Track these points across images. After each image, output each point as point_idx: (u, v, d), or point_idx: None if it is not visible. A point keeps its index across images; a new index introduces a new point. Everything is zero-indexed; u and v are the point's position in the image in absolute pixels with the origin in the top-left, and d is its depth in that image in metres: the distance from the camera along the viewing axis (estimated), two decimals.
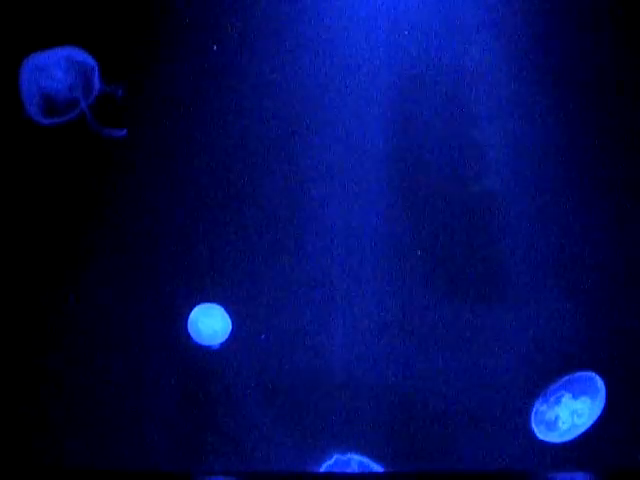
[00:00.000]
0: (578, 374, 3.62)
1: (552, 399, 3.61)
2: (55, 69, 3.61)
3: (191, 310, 3.68)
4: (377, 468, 3.62)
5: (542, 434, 3.63)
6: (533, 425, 3.63)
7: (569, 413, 3.60)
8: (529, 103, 3.74)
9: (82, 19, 3.64)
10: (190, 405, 3.70)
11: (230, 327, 3.65)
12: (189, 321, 3.66)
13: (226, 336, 3.65)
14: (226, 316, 3.65)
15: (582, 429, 3.64)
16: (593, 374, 3.63)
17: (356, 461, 3.60)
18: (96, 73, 3.65)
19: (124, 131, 3.66)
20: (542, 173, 3.75)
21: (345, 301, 3.73)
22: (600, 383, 3.62)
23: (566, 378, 3.62)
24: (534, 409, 3.62)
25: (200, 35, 3.74)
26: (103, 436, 3.69)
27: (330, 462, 3.60)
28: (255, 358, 3.71)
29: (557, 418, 3.60)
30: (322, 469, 3.60)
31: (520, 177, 3.75)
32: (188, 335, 3.69)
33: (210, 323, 3.64)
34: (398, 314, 3.72)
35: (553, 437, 3.63)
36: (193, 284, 3.74)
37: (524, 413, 3.65)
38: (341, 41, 3.73)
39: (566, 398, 3.61)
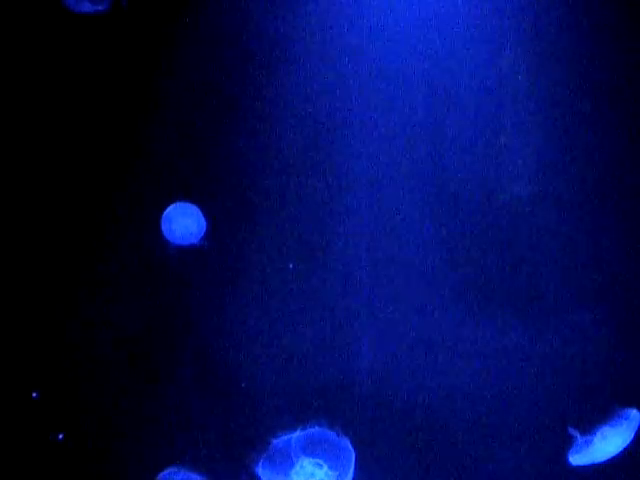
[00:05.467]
0: (617, 409, 3.49)
1: (589, 430, 3.50)
2: None
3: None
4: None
5: (574, 458, 3.52)
6: (566, 448, 3.51)
7: (604, 443, 3.49)
8: (559, 111, 3.69)
9: None
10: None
11: (205, 226, 3.64)
12: (163, 219, 3.65)
13: (201, 235, 3.64)
14: (201, 216, 3.64)
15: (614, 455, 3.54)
16: (632, 410, 3.50)
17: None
18: None
19: None
20: (574, 183, 3.68)
21: (372, 313, 3.69)
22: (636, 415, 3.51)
23: (606, 412, 3.49)
24: (569, 436, 3.51)
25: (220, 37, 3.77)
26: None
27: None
28: (279, 368, 3.68)
29: (591, 447, 3.49)
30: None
31: (551, 187, 3.68)
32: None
33: (185, 222, 3.63)
34: (426, 327, 3.67)
35: (584, 461, 3.52)
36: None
37: (555, 432, 3.55)
38: (370, 50, 3.71)
39: (604, 430, 3.49)
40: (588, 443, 3.49)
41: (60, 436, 3.63)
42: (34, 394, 3.65)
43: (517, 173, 3.70)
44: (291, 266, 3.69)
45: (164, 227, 3.69)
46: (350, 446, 3.46)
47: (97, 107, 3.75)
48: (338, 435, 3.46)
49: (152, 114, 3.74)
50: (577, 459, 3.50)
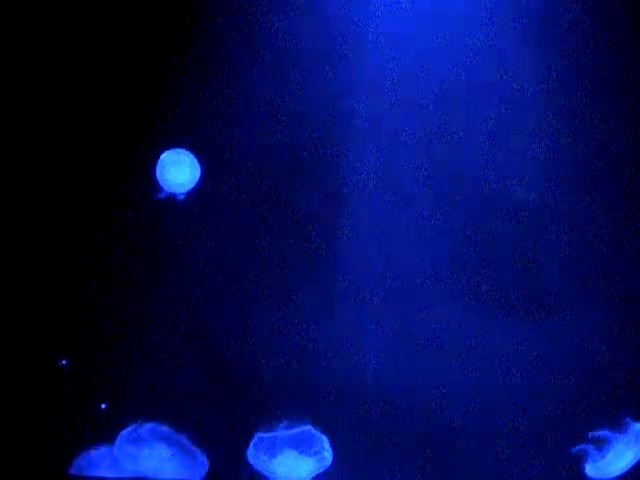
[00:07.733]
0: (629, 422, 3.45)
1: (600, 443, 3.44)
2: None
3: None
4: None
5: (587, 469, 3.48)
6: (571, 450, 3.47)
7: (617, 457, 3.43)
8: (567, 115, 3.68)
9: None
10: None
11: (199, 175, 3.64)
12: (157, 166, 3.63)
13: (194, 184, 3.63)
14: (196, 164, 3.64)
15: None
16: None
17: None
18: None
19: None
20: (579, 186, 3.67)
21: (380, 314, 3.69)
22: None
23: (616, 422, 3.43)
24: (582, 450, 3.46)
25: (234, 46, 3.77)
26: None
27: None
28: (283, 365, 3.68)
29: (604, 460, 3.44)
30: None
31: (556, 189, 3.67)
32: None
33: (178, 172, 3.61)
34: (431, 327, 3.66)
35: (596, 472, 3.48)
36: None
37: (564, 433, 3.53)
38: (378, 51, 3.70)
39: (617, 444, 3.43)
40: (598, 455, 3.45)
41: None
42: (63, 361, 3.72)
43: (524, 176, 3.70)
44: (296, 266, 3.72)
45: (158, 174, 3.68)
46: (328, 444, 3.52)
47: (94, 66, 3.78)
48: (325, 433, 3.52)
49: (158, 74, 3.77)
50: (589, 471, 3.48)
